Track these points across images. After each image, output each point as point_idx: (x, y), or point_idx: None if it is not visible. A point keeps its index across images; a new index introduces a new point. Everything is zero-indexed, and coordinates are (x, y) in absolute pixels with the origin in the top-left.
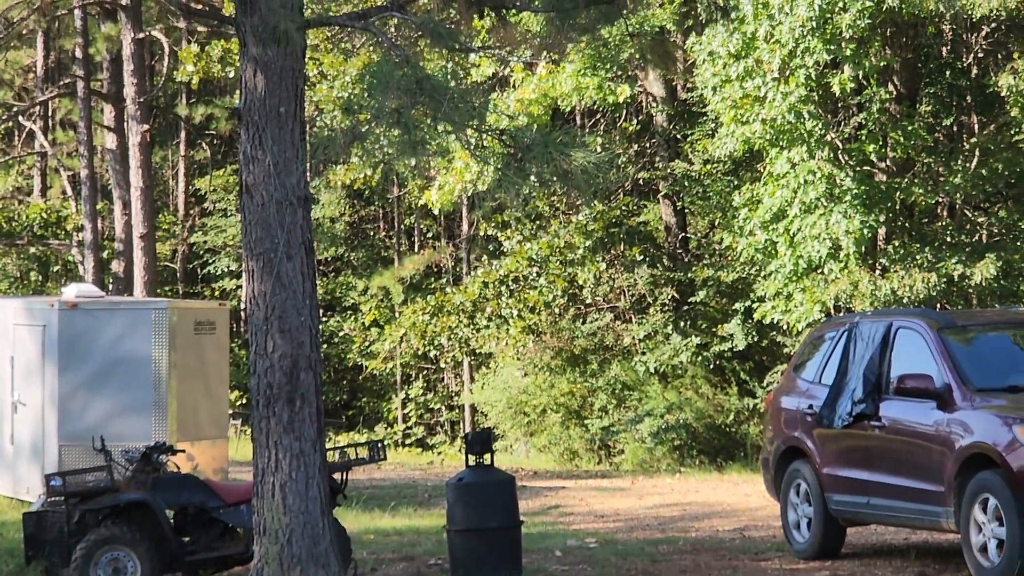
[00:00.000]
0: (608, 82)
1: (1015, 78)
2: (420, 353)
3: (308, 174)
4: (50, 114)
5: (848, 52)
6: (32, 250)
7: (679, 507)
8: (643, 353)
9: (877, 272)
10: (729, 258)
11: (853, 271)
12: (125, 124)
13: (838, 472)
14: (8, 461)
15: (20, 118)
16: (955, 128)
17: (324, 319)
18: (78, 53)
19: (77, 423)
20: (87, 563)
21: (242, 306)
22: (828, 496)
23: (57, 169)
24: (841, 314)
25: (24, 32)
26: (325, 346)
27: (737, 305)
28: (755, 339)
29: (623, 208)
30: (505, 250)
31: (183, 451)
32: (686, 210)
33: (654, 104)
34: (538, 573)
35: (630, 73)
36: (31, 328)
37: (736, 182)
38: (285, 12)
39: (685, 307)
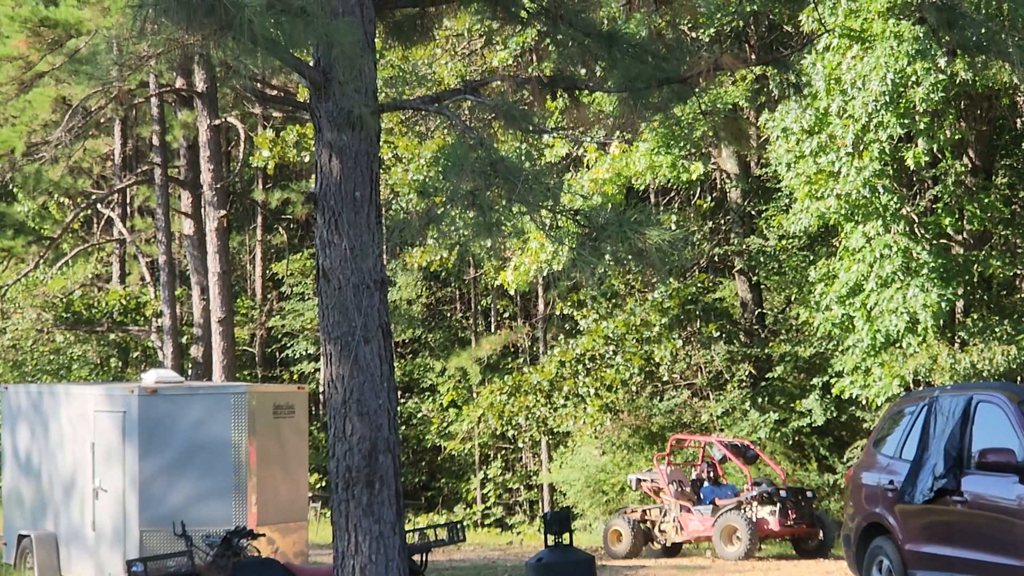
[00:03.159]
0: (682, 160)
1: None
2: (498, 433)
3: (384, 257)
4: (128, 201)
5: (922, 126)
6: (112, 336)
7: None
8: (721, 429)
9: (956, 346)
10: (806, 333)
11: (932, 345)
12: (202, 210)
13: (921, 548)
14: (90, 547)
15: (99, 206)
16: None
17: (402, 401)
18: (155, 140)
19: (158, 508)
20: None
21: (321, 389)
22: (911, 573)
23: (135, 256)
24: (920, 388)
25: (102, 121)
26: (403, 427)
27: (815, 380)
28: (834, 414)
29: (699, 285)
30: (581, 329)
31: (263, 535)
32: (762, 286)
33: (728, 181)
34: None
35: (703, 150)
36: (111, 414)
37: (812, 257)
38: (359, 97)
39: (763, 383)
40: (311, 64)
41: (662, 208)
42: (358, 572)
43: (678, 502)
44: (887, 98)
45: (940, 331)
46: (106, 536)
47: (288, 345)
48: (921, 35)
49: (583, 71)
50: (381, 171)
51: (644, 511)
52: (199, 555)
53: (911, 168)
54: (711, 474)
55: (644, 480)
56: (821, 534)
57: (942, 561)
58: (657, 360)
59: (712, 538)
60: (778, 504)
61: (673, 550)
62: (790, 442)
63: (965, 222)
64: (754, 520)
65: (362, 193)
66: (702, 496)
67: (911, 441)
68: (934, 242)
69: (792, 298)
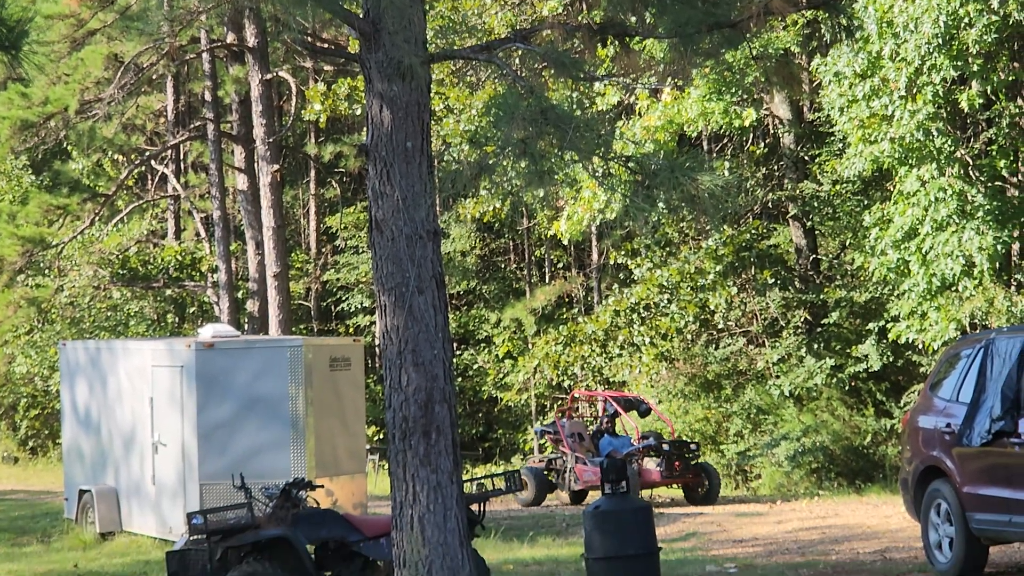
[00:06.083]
0: (733, 106)
1: None
2: (554, 383)
3: (437, 208)
4: (182, 157)
5: (975, 68)
6: (168, 292)
7: (818, 530)
8: (777, 376)
9: (1012, 288)
10: (861, 278)
11: (988, 288)
12: (255, 165)
13: (979, 490)
14: (151, 501)
15: (153, 162)
16: None
17: (458, 352)
18: (207, 96)
19: (217, 462)
20: None
21: (376, 342)
22: (969, 515)
23: (190, 211)
24: (977, 331)
25: (154, 77)
26: (460, 379)
27: (871, 325)
28: (890, 359)
29: (752, 232)
30: (635, 278)
31: (322, 487)
32: (816, 231)
33: (781, 126)
34: None
35: (755, 96)
36: (169, 369)
37: (866, 202)
38: (409, 47)
39: (818, 329)
40: (360, 15)
41: (715, 155)
42: (416, 522)
43: (574, 454)
44: (940, 40)
45: (996, 274)
46: (166, 490)
47: (343, 299)
48: None
49: (633, 18)
50: (432, 122)
51: (549, 461)
52: (258, 507)
53: (965, 110)
54: (610, 427)
55: (548, 432)
56: (707, 483)
57: (1000, 503)
58: (712, 308)
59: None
60: (663, 456)
61: (577, 497)
62: (846, 388)
63: (1020, 164)
64: (638, 471)
65: (413, 143)
66: (600, 448)
67: (968, 384)
68: (989, 184)
69: (847, 243)
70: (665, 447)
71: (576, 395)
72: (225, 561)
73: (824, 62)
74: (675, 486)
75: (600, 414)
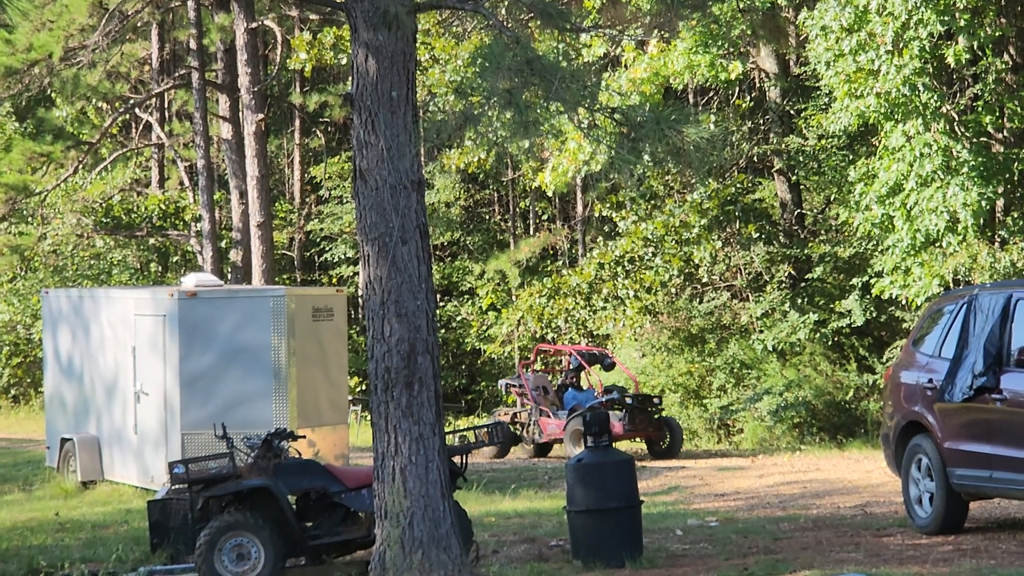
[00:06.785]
0: (720, 59)
1: None
2: (538, 336)
3: (422, 158)
4: (166, 106)
5: (962, 23)
6: (151, 241)
7: (800, 485)
8: (761, 331)
9: (996, 244)
10: (846, 233)
11: (972, 244)
12: (240, 114)
13: (960, 446)
14: (133, 450)
15: (137, 110)
16: None
17: (442, 304)
18: (192, 44)
19: (199, 411)
20: (211, 549)
21: (359, 293)
22: (950, 470)
23: (174, 160)
24: (960, 287)
25: (139, 25)
26: (443, 331)
27: (855, 281)
28: (873, 315)
29: (738, 185)
30: (620, 231)
31: (304, 437)
32: (801, 186)
33: (767, 80)
34: (659, 552)
35: (742, 50)
36: (152, 318)
37: (851, 156)
38: None
39: (802, 284)
40: None
41: (700, 108)
42: (398, 473)
43: (538, 407)
44: None
45: (980, 230)
46: (148, 439)
47: (327, 249)
48: None
49: None
50: (418, 72)
51: (513, 414)
52: (240, 457)
53: (951, 66)
54: (574, 380)
55: (513, 385)
56: (669, 437)
57: (981, 459)
58: (696, 262)
59: (564, 440)
60: (625, 410)
61: (541, 450)
62: (829, 343)
63: (1006, 120)
64: None
65: (399, 93)
66: (565, 402)
67: (950, 339)
68: (974, 140)
69: (831, 198)
70: (628, 401)
71: (541, 348)
72: (206, 510)
73: (811, 16)
74: (638, 440)
75: (565, 368)
